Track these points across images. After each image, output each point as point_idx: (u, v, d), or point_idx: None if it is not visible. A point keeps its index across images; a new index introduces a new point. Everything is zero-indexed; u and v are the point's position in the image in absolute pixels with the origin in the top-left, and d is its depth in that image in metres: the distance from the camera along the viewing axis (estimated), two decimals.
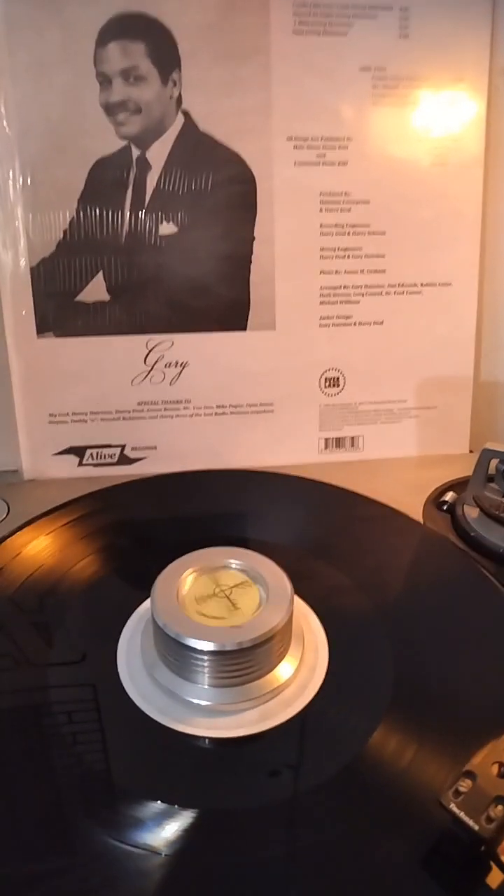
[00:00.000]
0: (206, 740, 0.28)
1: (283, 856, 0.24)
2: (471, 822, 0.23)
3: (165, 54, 0.44)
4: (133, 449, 0.49)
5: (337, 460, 0.52)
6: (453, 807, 0.23)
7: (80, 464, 0.49)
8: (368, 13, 0.45)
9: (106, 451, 0.49)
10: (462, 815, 0.23)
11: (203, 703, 0.29)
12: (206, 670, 0.29)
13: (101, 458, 0.49)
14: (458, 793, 0.24)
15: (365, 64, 0.46)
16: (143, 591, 0.33)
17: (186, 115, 0.45)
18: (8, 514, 0.43)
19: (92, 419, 0.48)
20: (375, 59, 0.46)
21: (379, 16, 0.45)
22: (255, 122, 0.46)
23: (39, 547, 0.39)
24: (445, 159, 0.48)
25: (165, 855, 0.24)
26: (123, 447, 0.49)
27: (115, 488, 0.45)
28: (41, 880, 0.23)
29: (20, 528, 0.40)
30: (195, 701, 0.29)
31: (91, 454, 0.49)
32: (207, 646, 0.28)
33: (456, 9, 0.46)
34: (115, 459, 0.49)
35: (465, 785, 0.24)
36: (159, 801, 0.25)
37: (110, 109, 0.44)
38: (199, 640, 0.28)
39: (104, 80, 0.44)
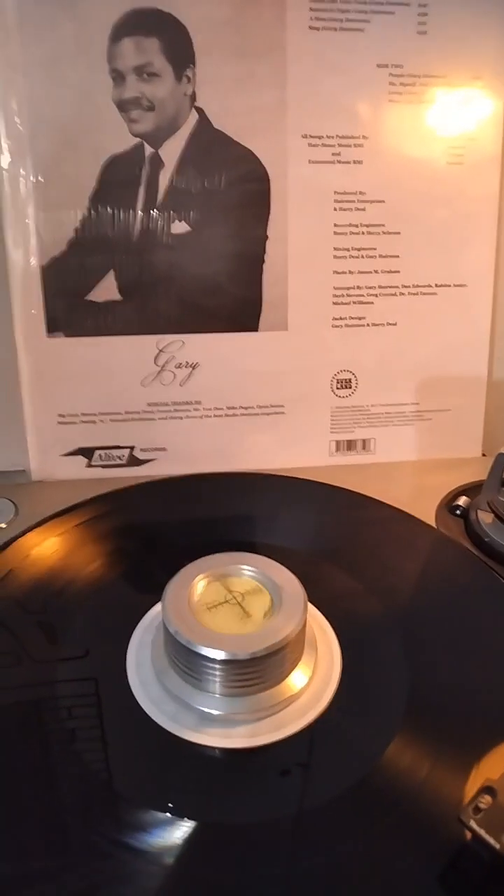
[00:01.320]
0: (217, 750, 0.27)
1: (293, 871, 0.24)
2: (491, 840, 0.23)
3: (179, 50, 0.43)
4: (142, 450, 0.49)
5: (348, 463, 0.51)
6: (473, 824, 0.23)
7: (89, 465, 0.49)
8: (386, 9, 0.45)
9: (115, 452, 0.49)
10: (482, 832, 0.23)
11: (214, 711, 0.28)
12: (217, 679, 0.28)
13: (110, 459, 0.49)
14: (477, 809, 0.23)
15: (382, 61, 0.45)
16: (153, 594, 0.33)
17: (200, 112, 0.44)
18: (16, 515, 0.43)
19: (101, 420, 0.48)
20: (392, 56, 0.45)
21: (397, 12, 0.45)
22: (270, 120, 0.45)
23: (48, 549, 0.38)
24: (462, 159, 0.48)
25: (168, 865, 0.23)
26: (133, 448, 0.49)
27: (124, 490, 0.45)
28: (40, 880, 0.23)
29: (29, 530, 0.40)
30: (205, 709, 0.28)
31: (100, 455, 0.49)
32: (219, 654, 0.28)
33: (475, 5, 0.45)
34: (125, 461, 0.49)
35: (484, 801, 0.23)
36: (166, 811, 0.25)
37: (123, 106, 0.44)
38: (211, 648, 0.28)
39: (117, 77, 0.43)
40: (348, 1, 0.44)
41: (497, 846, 0.22)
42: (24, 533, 0.40)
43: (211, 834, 0.25)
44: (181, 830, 0.24)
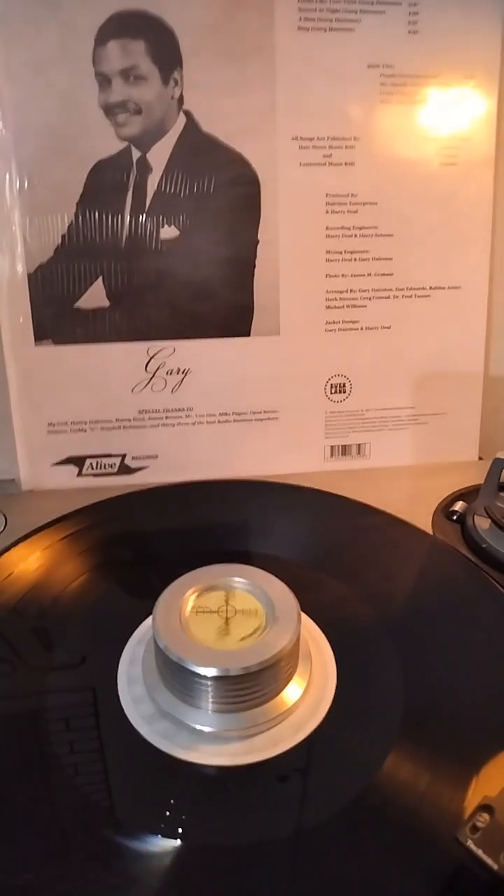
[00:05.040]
0: (209, 768, 0.27)
1: (289, 892, 0.23)
2: (489, 861, 0.22)
3: (166, 53, 0.43)
4: (134, 458, 0.49)
5: (343, 468, 0.51)
6: (470, 844, 0.22)
7: (80, 474, 0.48)
8: (376, 8, 0.44)
9: (106, 460, 0.48)
10: (480, 852, 0.22)
11: (206, 728, 0.28)
12: (209, 695, 0.28)
13: (101, 467, 0.48)
14: (475, 828, 0.23)
15: (372, 61, 0.45)
16: (145, 606, 0.32)
17: (188, 115, 0.44)
18: (5, 526, 0.42)
19: (92, 428, 0.47)
20: (383, 56, 0.45)
21: (387, 11, 0.44)
22: (260, 122, 0.44)
23: (38, 561, 0.38)
24: (455, 159, 0.47)
25: (161, 889, 0.23)
26: (124, 456, 0.48)
27: (116, 499, 0.44)
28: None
29: (18, 542, 0.39)
30: (198, 727, 0.28)
31: (91, 464, 0.48)
32: (211, 671, 0.27)
33: (466, 4, 0.45)
34: (116, 469, 0.48)
35: (482, 820, 0.23)
36: (158, 833, 0.24)
37: (110, 110, 0.43)
38: (203, 665, 0.27)
39: (103, 80, 0.43)
40: (338, 0, 0.44)
41: (495, 866, 0.22)
42: (13, 545, 0.39)
43: (204, 856, 0.24)
44: (174, 852, 0.24)
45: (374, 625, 0.34)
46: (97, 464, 0.48)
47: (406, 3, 0.44)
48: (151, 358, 0.47)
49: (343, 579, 0.37)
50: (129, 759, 0.28)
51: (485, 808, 0.23)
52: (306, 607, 0.31)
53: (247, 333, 0.47)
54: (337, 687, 0.30)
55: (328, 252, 0.47)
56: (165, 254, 0.45)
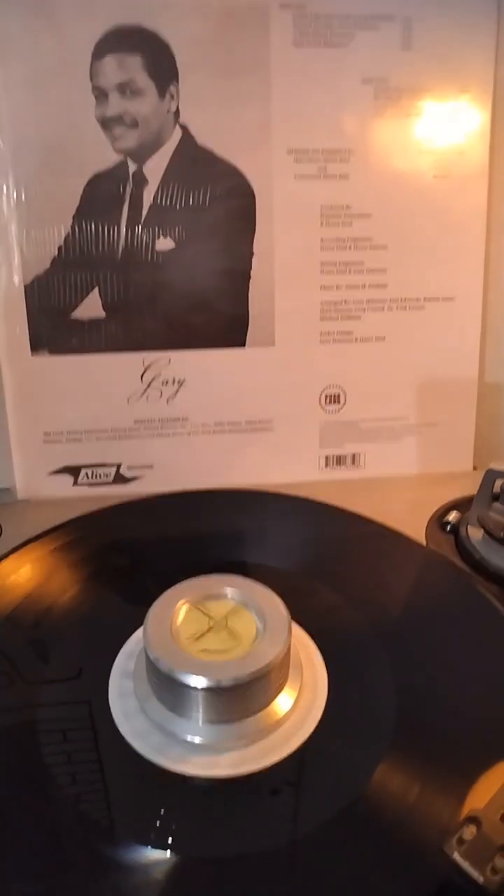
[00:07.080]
0: (200, 779, 0.27)
1: None
2: (475, 874, 0.22)
3: (163, 67, 0.43)
4: (129, 468, 0.49)
5: (338, 478, 0.51)
6: (457, 856, 0.22)
7: (75, 483, 0.48)
8: (370, 24, 0.44)
9: (101, 470, 0.48)
10: (466, 865, 0.22)
11: (197, 739, 0.28)
12: (200, 707, 0.28)
13: (96, 477, 0.48)
14: (462, 840, 0.23)
15: (367, 76, 0.45)
16: (138, 616, 0.32)
17: (184, 128, 0.44)
18: (0, 535, 0.42)
19: (87, 438, 0.48)
20: (377, 70, 0.45)
21: (381, 27, 0.45)
22: (255, 136, 0.45)
23: (32, 571, 0.38)
24: (449, 172, 0.47)
25: None
26: (119, 466, 0.49)
27: (111, 509, 0.44)
28: None
29: (13, 552, 0.39)
30: (189, 738, 0.28)
31: (86, 473, 0.48)
32: (201, 682, 0.27)
33: (460, 19, 0.45)
34: (111, 479, 0.49)
35: (469, 832, 0.23)
36: (149, 844, 0.24)
37: (106, 123, 0.43)
38: (194, 675, 0.27)
39: (100, 94, 0.43)
40: (332, 16, 0.44)
41: (481, 879, 0.22)
42: (7, 554, 0.39)
43: (197, 867, 0.24)
44: (167, 864, 0.24)
45: (367, 635, 0.34)
46: (93, 473, 0.48)
47: (400, 18, 0.44)
48: (147, 368, 0.47)
49: (336, 589, 0.37)
50: (120, 771, 0.28)
51: (472, 820, 0.23)
52: (299, 617, 0.32)
53: (242, 344, 0.48)
54: (328, 697, 0.30)
55: (323, 264, 0.47)
56: (161, 265, 0.45)
